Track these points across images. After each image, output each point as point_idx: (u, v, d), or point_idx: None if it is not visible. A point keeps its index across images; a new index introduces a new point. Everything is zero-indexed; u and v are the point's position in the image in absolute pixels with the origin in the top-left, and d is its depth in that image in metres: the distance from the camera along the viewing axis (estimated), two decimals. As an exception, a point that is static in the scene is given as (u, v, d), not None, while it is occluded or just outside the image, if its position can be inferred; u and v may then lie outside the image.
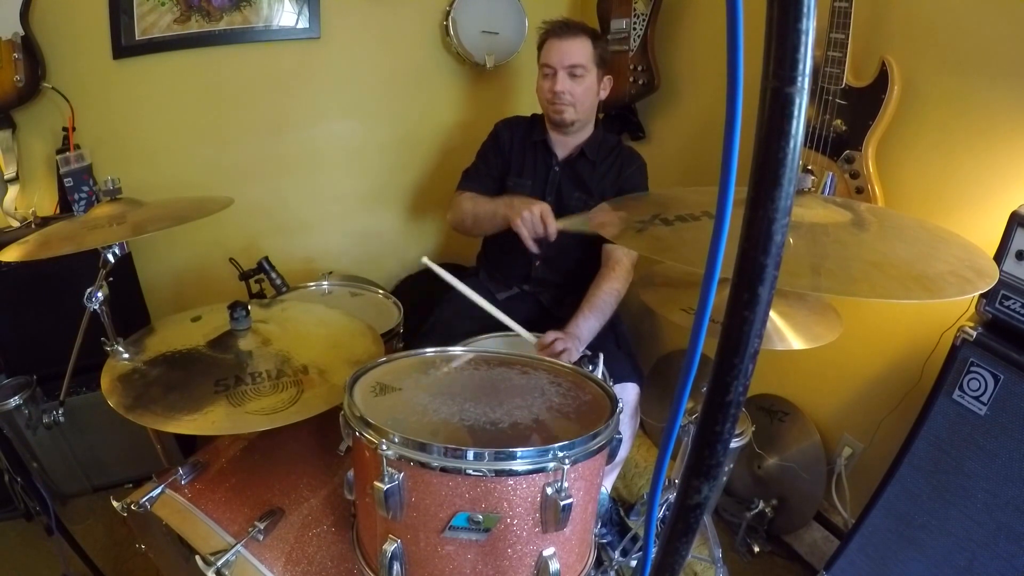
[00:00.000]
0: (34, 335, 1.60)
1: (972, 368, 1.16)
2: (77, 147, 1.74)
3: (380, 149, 2.23)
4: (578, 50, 1.50)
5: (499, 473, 0.74)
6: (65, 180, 1.70)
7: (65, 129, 1.73)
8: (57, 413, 1.23)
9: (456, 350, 1.07)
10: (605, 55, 1.57)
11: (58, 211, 1.75)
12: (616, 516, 1.65)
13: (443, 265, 1.33)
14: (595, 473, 0.83)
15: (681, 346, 2.12)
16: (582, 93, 1.53)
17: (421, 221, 2.40)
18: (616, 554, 1.50)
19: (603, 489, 0.89)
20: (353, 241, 2.31)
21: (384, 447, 0.75)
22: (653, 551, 0.52)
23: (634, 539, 1.54)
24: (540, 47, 1.58)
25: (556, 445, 0.75)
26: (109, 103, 1.78)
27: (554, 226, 1.40)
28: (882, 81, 1.32)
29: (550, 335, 1.30)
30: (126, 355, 1.12)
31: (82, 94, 1.73)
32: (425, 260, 1.32)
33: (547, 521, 0.77)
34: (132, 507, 1.02)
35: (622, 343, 1.59)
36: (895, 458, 1.29)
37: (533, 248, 1.42)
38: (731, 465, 1.53)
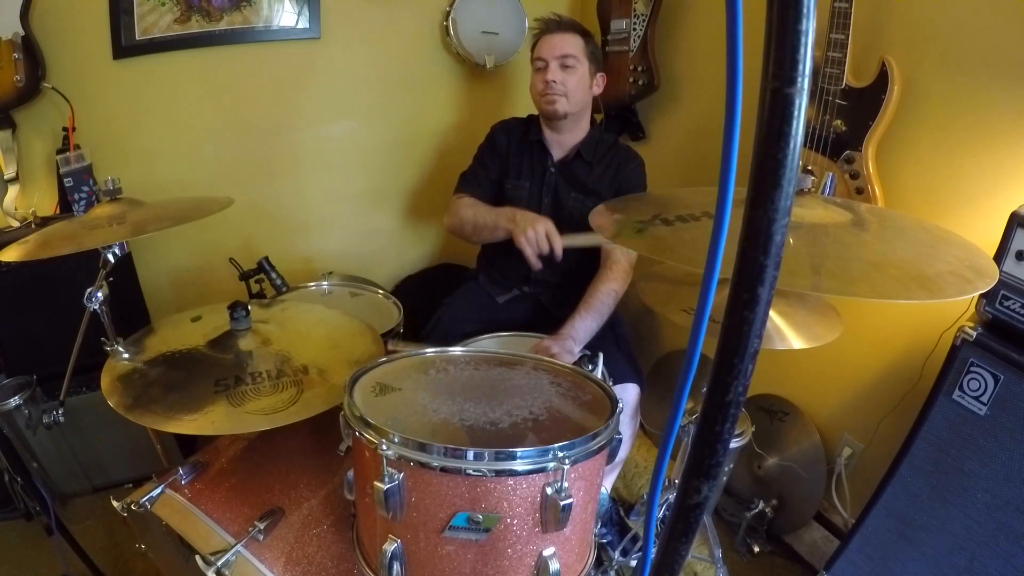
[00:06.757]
0: (34, 335, 1.60)
1: (972, 368, 1.16)
2: (77, 147, 1.73)
3: (380, 149, 2.23)
4: (569, 43, 1.53)
5: (499, 473, 0.74)
6: (65, 180, 1.70)
7: (65, 129, 1.72)
8: (57, 413, 1.22)
9: (456, 350, 1.07)
10: (596, 53, 1.58)
11: (58, 211, 1.75)
12: (616, 516, 1.65)
13: (441, 266, 1.33)
14: (595, 473, 0.83)
15: (681, 346, 2.12)
16: (574, 84, 1.53)
17: (421, 221, 2.40)
18: (616, 554, 1.50)
19: (603, 489, 0.89)
20: (353, 241, 2.31)
21: (384, 447, 0.75)
22: (653, 551, 0.52)
23: (634, 539, 1.54)
24: (533, 47, 1.59)
25: (556, 445, 0.75)
26: (109, 103, 1.78)
27: (559, 245, 1.39)
28: (882, 81, 1.32)
29: (542, 342, 1.31)
30: (126, 355, 1.12)
31: (82, 94, 1.72)
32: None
33: (547, 521, 0.77)
34: (132, 507, 1.02)
35: (622, 344, 1.59)
36: (895, 458, 1.29)
37: (537, 265, 1.41)
38: (731, 465, 1.53)
